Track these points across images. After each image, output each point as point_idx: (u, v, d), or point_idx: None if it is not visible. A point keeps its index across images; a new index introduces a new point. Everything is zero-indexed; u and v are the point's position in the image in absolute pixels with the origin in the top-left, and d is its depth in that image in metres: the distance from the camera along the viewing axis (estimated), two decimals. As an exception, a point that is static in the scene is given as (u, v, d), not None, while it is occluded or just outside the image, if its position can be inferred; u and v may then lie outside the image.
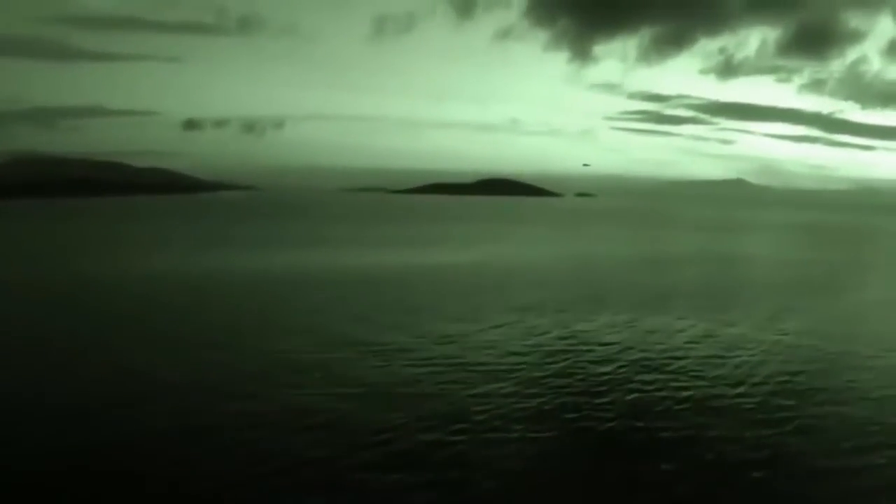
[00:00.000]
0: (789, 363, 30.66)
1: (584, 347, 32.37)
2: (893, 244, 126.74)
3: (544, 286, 51.30)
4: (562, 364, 29.15)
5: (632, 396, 25.39)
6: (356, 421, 21.83)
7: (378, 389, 25.19)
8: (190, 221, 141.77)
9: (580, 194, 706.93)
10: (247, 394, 24.92)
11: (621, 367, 29.23)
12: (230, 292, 47.42)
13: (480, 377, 27.05)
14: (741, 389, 26.56)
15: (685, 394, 25.97)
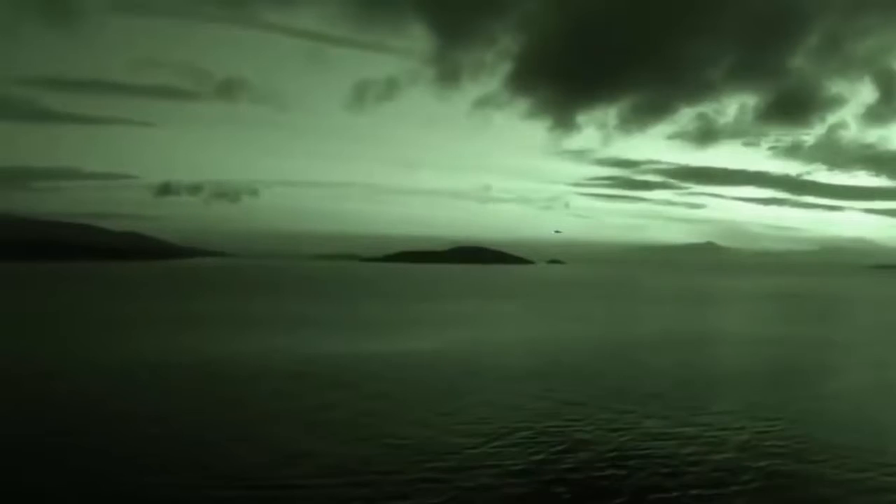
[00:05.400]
0: (766, 466, 29.89)
1: (554, 447, 30.55)
2: (854, 314, 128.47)
3: (518, 383, 50.44)
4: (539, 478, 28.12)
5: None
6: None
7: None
8: (156, 292, 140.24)
9: (552, 261, 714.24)
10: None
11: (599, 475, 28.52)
12: (182, 384, 46.15)
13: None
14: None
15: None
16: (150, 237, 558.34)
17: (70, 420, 36.52)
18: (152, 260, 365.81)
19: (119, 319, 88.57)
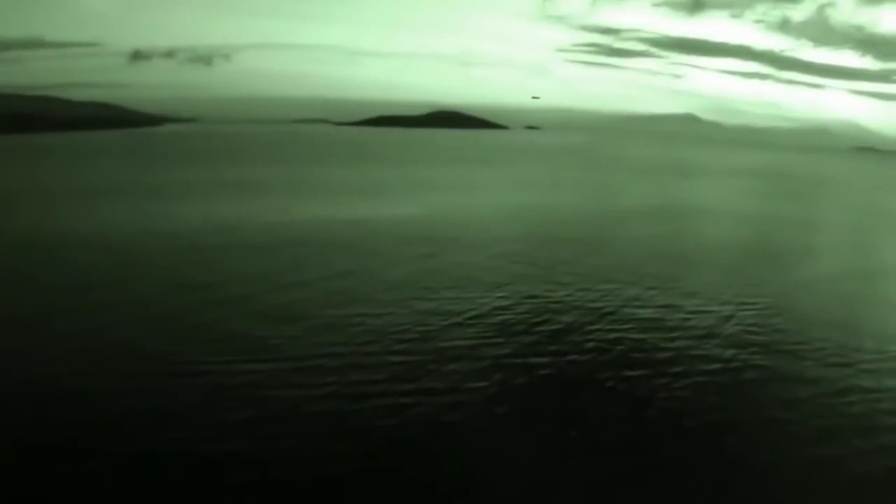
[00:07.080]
0: (752, 339, 30.13)
1: (539, 326, 30.58)
2: (836, 196, 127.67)
3: (498, 258, 48.31)
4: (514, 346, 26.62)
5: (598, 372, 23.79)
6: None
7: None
8: (119, 163, 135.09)
9: (529, 127, 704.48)
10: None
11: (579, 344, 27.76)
12: (146, 262, 43.60)
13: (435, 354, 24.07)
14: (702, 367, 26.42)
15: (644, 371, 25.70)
16: (120, 107, 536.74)
17: (27, 303, 34.54)
18: (122, 129, 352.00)
19: (76, 192, 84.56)
